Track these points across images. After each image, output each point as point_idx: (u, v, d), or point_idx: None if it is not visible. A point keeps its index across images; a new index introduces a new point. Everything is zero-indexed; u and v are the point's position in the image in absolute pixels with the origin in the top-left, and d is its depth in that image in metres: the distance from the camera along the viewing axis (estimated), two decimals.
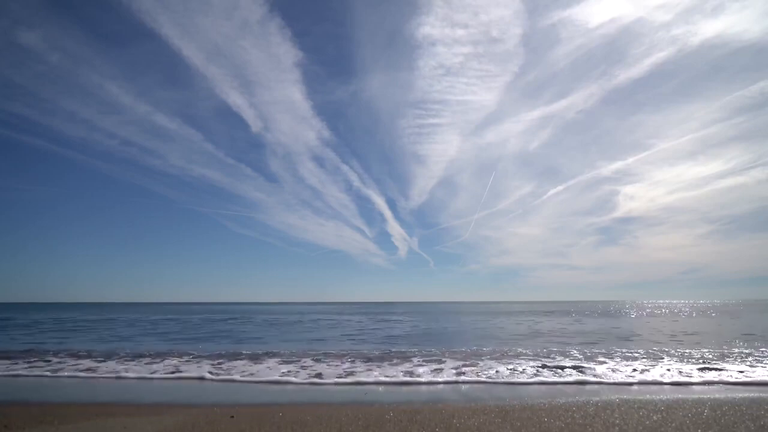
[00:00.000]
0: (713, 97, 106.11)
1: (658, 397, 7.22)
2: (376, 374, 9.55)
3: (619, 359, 11.73)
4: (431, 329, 24.14)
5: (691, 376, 9.02)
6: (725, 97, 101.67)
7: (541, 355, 12.70)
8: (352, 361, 11.62)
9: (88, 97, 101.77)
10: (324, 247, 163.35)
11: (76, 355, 13.34)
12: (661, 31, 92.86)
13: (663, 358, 11.86)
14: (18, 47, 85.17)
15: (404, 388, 8.33)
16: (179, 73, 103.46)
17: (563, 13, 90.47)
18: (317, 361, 11.82)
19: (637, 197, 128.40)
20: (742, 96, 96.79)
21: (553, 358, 11.91)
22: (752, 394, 7.37)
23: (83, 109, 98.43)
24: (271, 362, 11.50)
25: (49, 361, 12.14)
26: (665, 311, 51.65)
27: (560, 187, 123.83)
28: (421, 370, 10.06)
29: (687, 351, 13.43)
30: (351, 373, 9.73)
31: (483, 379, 9.05)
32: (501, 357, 12.29)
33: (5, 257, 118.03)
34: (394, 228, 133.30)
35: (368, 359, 12.02)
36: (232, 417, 6.00)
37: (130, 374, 9.88)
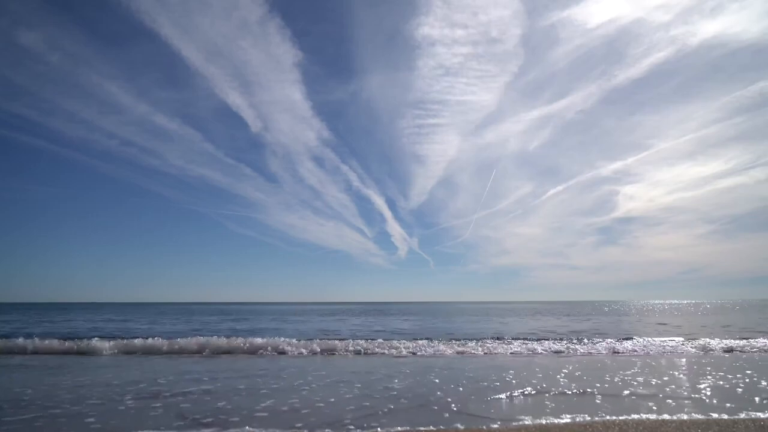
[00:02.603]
0: (712, 97, 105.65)
1: None
2: None
3: None
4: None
5: None
6: (724, 97, 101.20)
7: None
8: None
9: (88, 97, 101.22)
10: (324, 247, 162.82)
11: None
12: (660, 31, 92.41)
13: None
14: (18, 47, 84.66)
15: None
16: (179, 73, 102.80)
17: (562, 13, 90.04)
18: None
19: (637, 197, 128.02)
20: (742, 96, 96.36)
21: None
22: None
23: (83, 109, 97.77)
24: None
25: None
26: (666, 310, 51.55)
27: (560, 187, 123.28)
28: None
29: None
30: None
31: None
32: None
33: (5, 257, 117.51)
34: (394, 228, 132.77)
35: None
36: None
37: None
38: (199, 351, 13.14)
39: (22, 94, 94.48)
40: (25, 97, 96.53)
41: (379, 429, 5.24)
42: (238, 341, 13.84)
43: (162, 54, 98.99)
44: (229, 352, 13.16)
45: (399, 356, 12.50)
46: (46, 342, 14.08)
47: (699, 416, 5.69)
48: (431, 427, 5.27)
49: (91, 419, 5.74)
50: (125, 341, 14.23)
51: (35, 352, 13.32)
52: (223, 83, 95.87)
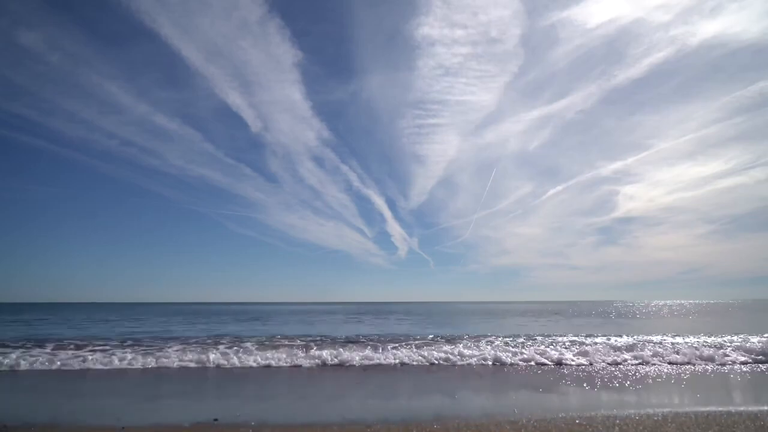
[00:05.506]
0: (712, 97, 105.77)
1: None
2: None
3: None
4: None
5: None
6: (724, 97, 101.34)
7: None
8: None
9: (88, 97, 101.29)
10: (324, 247, 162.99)
11: None
12: (660, 31, 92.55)
13: None
14: (18, 47, 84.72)
15: None
16: (179, 73, 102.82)
17: (562, 13, 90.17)
18: None
19: (637, 197, 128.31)
20: (741, 96, 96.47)
21: None
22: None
23: (83, 109, 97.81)
24: None
25: None
26: (663, 311, 51.58)
27: (560, 187, 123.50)
28: None
29: None
30: None
31: None
32: None
33: (5, 257, 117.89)
34: (394, 228, 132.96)
35: None
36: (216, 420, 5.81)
37: None
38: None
39: (22, 94, 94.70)
40: (25, 97, 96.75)
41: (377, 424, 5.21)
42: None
43: (162, 54, 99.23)
44: None
45: None
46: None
47: (700, 415, 5.67)
48: (434, 425, 5.25)
49: None
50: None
51: None
52: (223, 83, 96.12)
